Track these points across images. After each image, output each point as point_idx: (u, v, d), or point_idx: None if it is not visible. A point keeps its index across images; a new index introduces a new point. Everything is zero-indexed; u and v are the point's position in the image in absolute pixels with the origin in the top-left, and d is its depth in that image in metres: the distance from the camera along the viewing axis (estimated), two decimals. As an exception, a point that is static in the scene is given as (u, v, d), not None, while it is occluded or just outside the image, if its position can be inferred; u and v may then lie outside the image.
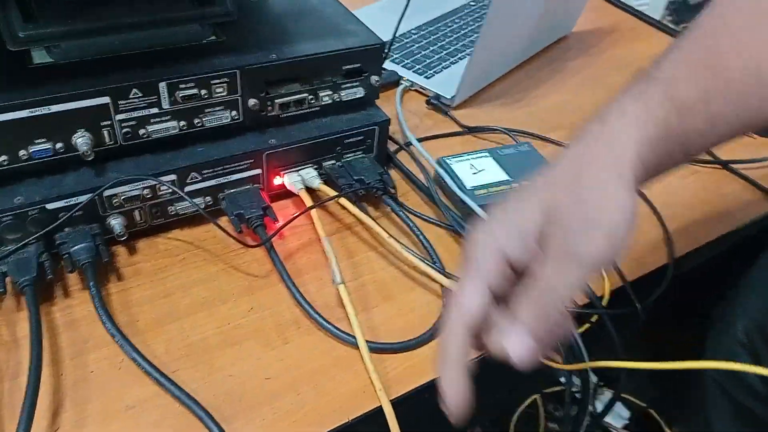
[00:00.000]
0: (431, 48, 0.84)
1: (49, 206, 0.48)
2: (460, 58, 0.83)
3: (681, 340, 0.76)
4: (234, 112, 0.54)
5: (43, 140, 0.47)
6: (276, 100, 0.55)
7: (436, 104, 0.74)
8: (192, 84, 0.50)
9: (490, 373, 0.52)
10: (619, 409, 1.20)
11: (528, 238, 0.33)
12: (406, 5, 0.65)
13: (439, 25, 0.90)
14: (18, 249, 0.47)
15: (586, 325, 0.50)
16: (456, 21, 0.92)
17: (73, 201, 0.48)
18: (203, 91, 0.51)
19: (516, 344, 0.31)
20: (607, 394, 1.24)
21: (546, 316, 0.31)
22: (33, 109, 0.45)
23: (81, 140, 0.48)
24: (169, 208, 0.53)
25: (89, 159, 0.48)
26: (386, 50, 0.59)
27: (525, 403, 1.19)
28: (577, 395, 1.05)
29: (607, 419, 1.16)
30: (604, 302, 0.52)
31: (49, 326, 0.46)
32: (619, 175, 0.33)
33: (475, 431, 1.15)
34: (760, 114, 0.36)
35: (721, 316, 0.64)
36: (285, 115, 0.56)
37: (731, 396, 0.61)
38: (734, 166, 0.70)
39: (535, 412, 1.20)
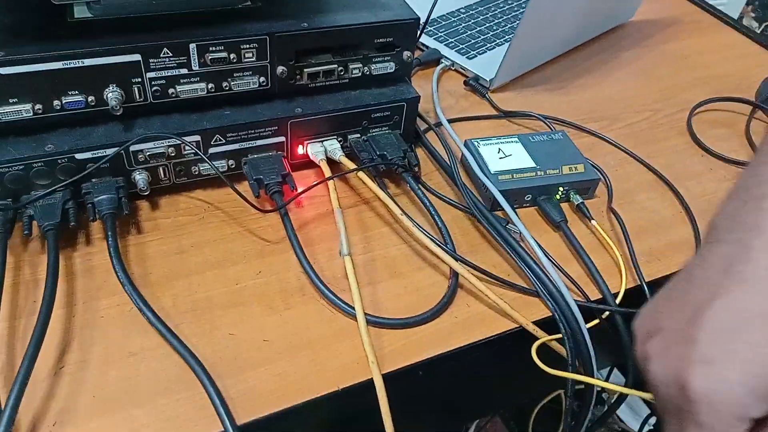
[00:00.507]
0: (478, 28, 0.83)
1: (78, 156, 0.50)
2: (506, 41, 0.81)
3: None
4: (262, 79, 0.54)
5: (76, 92, 0.49)
6: (305, 70, 0.55)
7: (474, 86, 0.73)
8: (221, 47, 0.51)
9: (512, 364, 0.52)
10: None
11: None
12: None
13: (489, 5, 0.88)
14: (46, 195, 0.49)
15: (596, 321, 0.49)
16: (507, 2, 0.90)
17: (100, 153, 0.50)
18: (232, 55, 0.52)
19: None
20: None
21: None
22: (68, 62, 0.47)
23: (112, 95, 0.49)
24: (192, 168, 0.54)
25: (118, 114, 0.50)
26: (421, 26, 0.58)
27: (548, 398, 1.17)
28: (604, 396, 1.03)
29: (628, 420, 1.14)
30: (618, 300, 0.50)
31: (67, 270, 0.48)
32: None
33: (494, 421, 1.14)
34: None
35: None
36: (313, 84, 0.56)
37: None
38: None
39: (557, 407, 1.18)
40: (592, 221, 0.56)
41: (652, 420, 1.18)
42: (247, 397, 0.42)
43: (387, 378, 0.43)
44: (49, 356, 0.43)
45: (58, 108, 0.49)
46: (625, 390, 0.45)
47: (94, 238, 0.51)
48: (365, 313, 0.46)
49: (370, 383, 0.43)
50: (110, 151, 0.50)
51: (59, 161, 0.49)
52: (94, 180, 0.51)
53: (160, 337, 0.44)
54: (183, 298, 0.47)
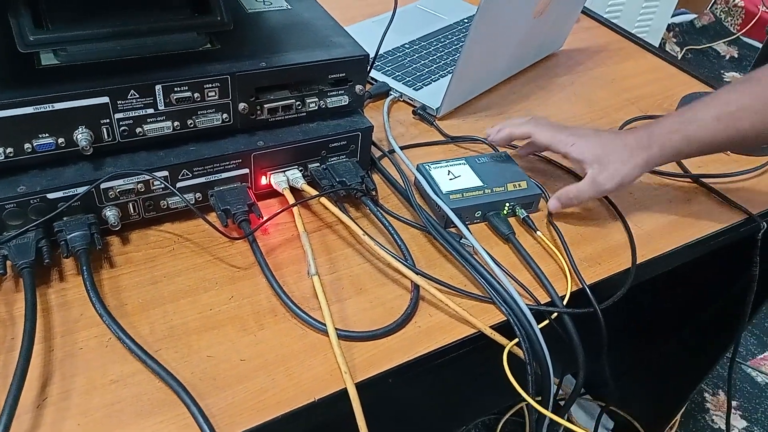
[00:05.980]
0: (422, 62, 0.88)
1: (50, 196, 0.52)
2: (449, 72, 0.86)
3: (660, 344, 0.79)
4: (225, 115, 0.57)
5: (46, 135, 0.51)
6: (265, 105, 0.59)
7: (422, 114, 0.78)
8: (186, 87, 0.54)
9: (476, 373, 0.55)
10: (605, 420, 1.23)
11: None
12: (391, 20, 0.69)
13: (431, 40, 0.94)
14: (19, 234, 0.51)
15: (546, 321, 0.53)
16: (448, 37, 0.96)
17: (71, 192, 0.52)
18: (196, 95, 0.55)
19: None
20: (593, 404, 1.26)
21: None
22: (38, 106, 0.50)
23: (81, 136, 0.52)
24: (161, 202, 0.57)
25: (88, 154, 0.52)
26: (370, 62, 0.63)
27: (511, 411, 1.22)
28: (561, 402, 1.07)
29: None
30: (565, 301, 0.55)
31: (44, 306, 0.50)
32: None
33: (460, 435, 1.17)
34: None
35: None
36: (273, 119, 0.60)
37: None
38: (705, 180, 0.73)
39: (521, 420, 1.22)
40: (537, 232, 0.61)
41: (609, 424, 1.23)
42: (229, 414, 0.44)
43: (359, 386, 0.47)
44: (32, 389, 0.44)
45: (29, 150, 0.51)
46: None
47: (67, 274, 0.53)
48: (336, 328, 0.49)
49: (344, 392, 0.46)
50: (81, 190, 0.52)
51: (31, 201, 0.51)
52: (66, 218, 0.53)
53: (140, 363, 0.46)
54: (159, 325, 0.50)
